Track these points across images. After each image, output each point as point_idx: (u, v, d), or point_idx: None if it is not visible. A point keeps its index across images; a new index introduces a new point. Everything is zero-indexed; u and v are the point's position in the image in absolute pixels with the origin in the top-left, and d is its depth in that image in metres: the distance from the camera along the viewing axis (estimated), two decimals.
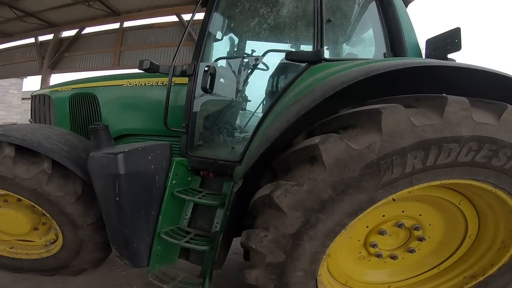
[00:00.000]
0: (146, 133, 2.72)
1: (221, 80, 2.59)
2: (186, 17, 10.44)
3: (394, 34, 2.24)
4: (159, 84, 2.69)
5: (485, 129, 1.34)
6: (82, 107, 2.96)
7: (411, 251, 1.84)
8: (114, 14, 11.36)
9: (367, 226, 1.77)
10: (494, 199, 1.62)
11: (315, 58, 2.03)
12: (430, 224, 1.83)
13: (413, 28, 2.30)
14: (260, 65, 2.85)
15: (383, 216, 1.74)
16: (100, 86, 2.93)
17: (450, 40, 1.96)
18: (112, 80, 2.92)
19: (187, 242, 1.97)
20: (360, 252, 1.87)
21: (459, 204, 1.75)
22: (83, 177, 2.03)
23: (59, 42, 12.72)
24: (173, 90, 2.29)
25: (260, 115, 2.47)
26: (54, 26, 12.48)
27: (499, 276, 1.81)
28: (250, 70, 2.88)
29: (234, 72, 2.95)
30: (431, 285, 1.94)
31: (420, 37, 2.31)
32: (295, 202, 1.42)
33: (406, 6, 2.46)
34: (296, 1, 2.44)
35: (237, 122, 2.90)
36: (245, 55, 2.98)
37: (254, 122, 2.62)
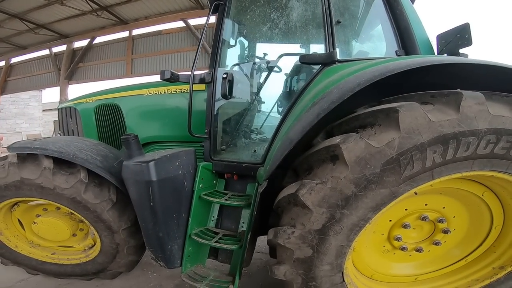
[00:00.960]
0: (169, 140, 2.82)
1: (238, 85, 2.67)
2: (192, 22, 10.62)
3: (404, 31, 2.26)
4: (177, 92, 2.79)
5: (502, 121, 1.38)
6: (107, 117, 3.11)
7: (437, 243, 1.86)
8: (122, 23, 11.66)
9: (390, 220, 1.81)
10: None
11: (329, 60, 2.06)
12: (454, 217, 1.84)
13: (422, 24, 2.31)
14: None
15: (406, 209, 1.79)
16: (122, 97, 3.05)
17: (461, 35, 1.98)
18: (133, 90, 3.02)
19: (216, 242, 2.06)
20: (384, 246, 1.91)
21: (483, 196, 1.76)
22: (116, 185, 2.15)
23: (73, 52, 13.07)
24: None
25: (278, 117, 2.54)
26: (66, 37, 12.87)
27: None
28: (265, 73, 2.94)
29: (248, 76, 3.01)
30: (459, 276, 1.95)
31: (429, 33, 2.31)
32: (320, 199, 1.48)
33: (413, 2, 2.47)
34: (305, 5, 2.48)
35: (256, 125, 2.96)
36: (260, 59, 3.05)
37: (272, 123, 2.69)
